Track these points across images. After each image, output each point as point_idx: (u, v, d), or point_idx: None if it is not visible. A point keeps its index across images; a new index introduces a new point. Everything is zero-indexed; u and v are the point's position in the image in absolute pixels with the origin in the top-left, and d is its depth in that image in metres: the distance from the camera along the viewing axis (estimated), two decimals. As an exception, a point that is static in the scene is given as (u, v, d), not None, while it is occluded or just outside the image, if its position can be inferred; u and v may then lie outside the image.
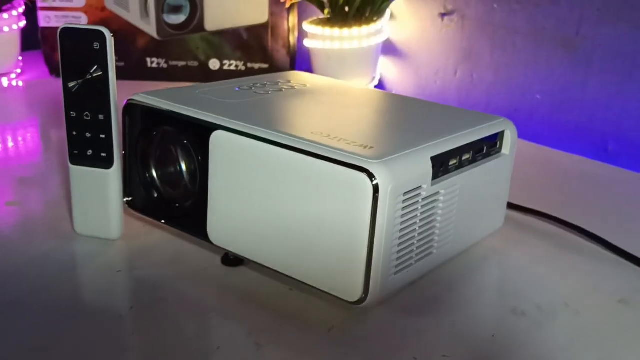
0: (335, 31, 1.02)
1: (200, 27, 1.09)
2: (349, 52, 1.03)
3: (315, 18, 1.09)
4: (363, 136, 0.49)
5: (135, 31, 1.10)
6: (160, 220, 0.57)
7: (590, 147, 0.88)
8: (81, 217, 0.59)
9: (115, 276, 0.54)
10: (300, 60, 1.16)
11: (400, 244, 0.47)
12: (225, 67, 1.12)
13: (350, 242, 0.45)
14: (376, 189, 0.43)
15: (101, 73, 0.55)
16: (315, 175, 0.46)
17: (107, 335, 0.47)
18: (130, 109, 0.57)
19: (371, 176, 0.43)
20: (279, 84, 0.64)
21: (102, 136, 0.56)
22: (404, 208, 0.46)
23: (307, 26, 1.07)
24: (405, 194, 0.45)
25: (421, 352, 0.46)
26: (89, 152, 0.57)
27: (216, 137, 0.51)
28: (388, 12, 1.06)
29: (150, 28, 1.09)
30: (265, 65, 1.12)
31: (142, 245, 0.59)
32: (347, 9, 1.02)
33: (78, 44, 0.55)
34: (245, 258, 0.52)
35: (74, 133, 0.57)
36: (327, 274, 0.47)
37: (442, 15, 1.02)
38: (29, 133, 0.91)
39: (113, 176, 0.57)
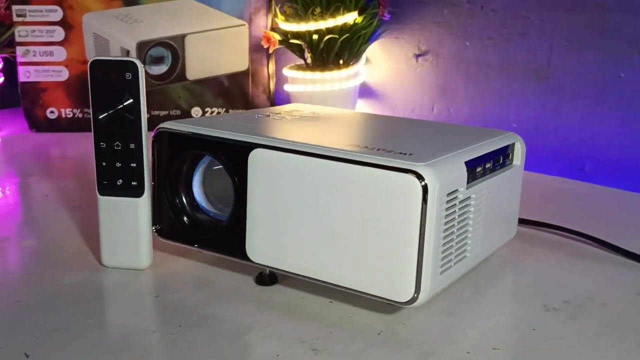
0: (317, 74, 1.06)
1: (182, 76, 1.11)
2: (329, 94, 1.07)
3: (293, 64, 1.13)
4: (398, 146, 0.52)
5: (117, 83, 1.11)
6: (193, 245, 0.58)
7: (567, 169, 0.94)
8: (110, 249, 0.59)
9: (154, 301, 0.54)
10: (279, 104, 1.20)
11: (444, 244, 0.49)
12: (208, 115, 1.14)
13: (401, 243, 0.47)
14: (425, 189, 0.46)
15: (133, 102, 0.56)
16: (363, 182, 0.48)
17: (166, 352, 0.47)
18: (161, 136, 0.58)
19: (420, 177, 0.46)
20: (292, 112, 0.67)
21: (133, 165, 0.57)
22: (446, 209, 0.48)
23: (287, 71, 1.11)
24: (448, 195, 0.48)
25: (472, 347, 0.48)
26: (119, 182, 0.58)
27: (255, 155, 0.53)
28: (364, 56, 1.11)
29: (131, 79, 1.10)
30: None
31: (171, 272, 0.59)
32: (324, 55, 1.06)
33: (109, 75, 0.56)
34: (288, 273, 0.53)
35: (104, 163, 0.58)
36: (376, 278, 0.49)
37: (417, 55, 1.08)
38: (11, 185, 0.91)
39: (143, 205, 0.58)
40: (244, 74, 1.13)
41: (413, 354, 0.47)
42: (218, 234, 0.57)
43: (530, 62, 0.95)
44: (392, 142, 0.54)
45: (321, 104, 1.08)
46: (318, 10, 1.01)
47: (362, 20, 1.03)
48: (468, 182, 0.52)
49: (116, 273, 0.59)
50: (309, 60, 1.09)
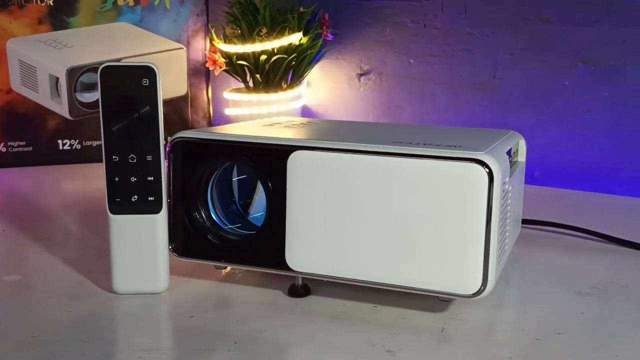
0: (263, 96, 1.04)
1: (116, 103, 1.06)
2: (274, 116, 1.06)
3: (234, 87, 1.11)
4: (440, 140, 0.52)
5: (45, 112, 1.04)
6: (219, 261, 0.55)
7: (517, 176, 0.98)
8: (124, 272, 0.54)
9: (192, 322, 0.50)
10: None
11: (499, 234, 0.49)
12: (144, 143, 1.09)
13: (467, 233, 0.47)
14: (490, 177, 0.46)
15: (150, 111, 0.52)
16: (424, 175, 0.47)
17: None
18: (178, 147, 0.54)
19: (485, 165, 0.46)
20: (291, 122, 0.65)
21: (150, 178, 0.53)
22: (502, 198, 0.49)
23: (229, 95, 1.08)
24: (503, 184, 0.48)
25: (538, 334, 0.48)
26: (134, 198, 0.53)
27: (296, 158, 0.50)
28: (305, 78, 1.11)
29: (61, 108, 1.03)
30: (185, 138, 1.10)
31: (190, 293, 0.55)
32: (259, 76, 1.05)
33: (123, 83, 0.52)
34: (336, 279, 0.51)
35: (117, 179, 0.53)
36: (438, 273, 0.48)
37: (359, 75, 1.09)
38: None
39: (161, 221, 0.54)
40: (182, 99, 1.09)
41: (487, 345, 0.47)
42: (248, 246, 0.54)
43: (475, 76, 0.99)
44: (429, 138, 0.53)
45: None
46: (264, 30, 1.00)
47: (307, 41, 1.03)
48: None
49: (132, 298, 0.54)
50: (250, 83, 1.07)
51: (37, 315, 0.51)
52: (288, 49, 1.03)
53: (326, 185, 0.50)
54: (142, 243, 0.54)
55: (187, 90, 1.09)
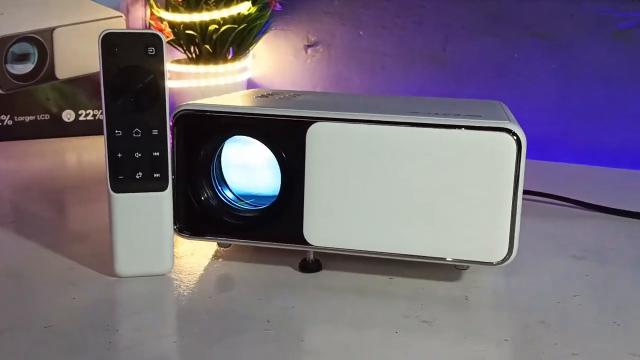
0: (211, 68, 1.00)
1: (51, 75, 0.98)
2: (221, 89, 1.02)
3: (176, 58, 1.06)
4: (454, 110, 0.52)
5: (-29, 86, 0.95)
6: (229, 238, 0.52)
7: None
8: (127, 254, 0.51)
9: (213, 302, 0.48)
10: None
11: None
12: (82, 118, 1.02)
13: (496, 202, 0.47)
14: (519, 145, 0.47)
15: (156, 81, 0.49)
16: (452, 145, 0.47)
17: (280, 345, 0.42)
18: (183, 120, 0.51)
19: (513, 134, 0.47)
20: (283, 93, 0.63)
21: (156, 154, 0.50)
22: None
23: (172, 66, 1.03)
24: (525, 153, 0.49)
25: (556, 297, 0.50)
26: (139, 175, 0.50)
27: (316, 130, 0.49)
28: (251, 50, 1.08)
29: (-10, 81, 0.95)
30: (125, 112, 1.04)
31: (198, 273, 0.53)
32: (208, 47, 1.01)
33: (126, 52, 0.48)
34: (358, 252, 0.50)
35: (119, 155, 0.49)
36: (465, 242, 0.48)
37: (307, 47, 1.08)
38: None
39: (167, 199, 0.51)
40: (122, 71, 1.03)
41: (514, 311, 0.48)
42: (262, 222, 0.52)
43: (426, 49, 1.00)
44: (440, 108, 0.53)
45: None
46: (213, -1, 0.96)
47: (255, 11, 1.00)
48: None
49: (138, 281, 0.51)
50: (193, 55, 1.03)
51: (41, 304, 0.47)
52: (236, 19, 0.99)
53: (348, 157, 0.49)
54: (146, 223, 0.51)
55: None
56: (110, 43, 0.48)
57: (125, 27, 1.02)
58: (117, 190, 0.50)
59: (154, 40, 0.49)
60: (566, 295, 0.50)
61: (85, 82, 1.01)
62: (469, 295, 0.50)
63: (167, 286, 0.50)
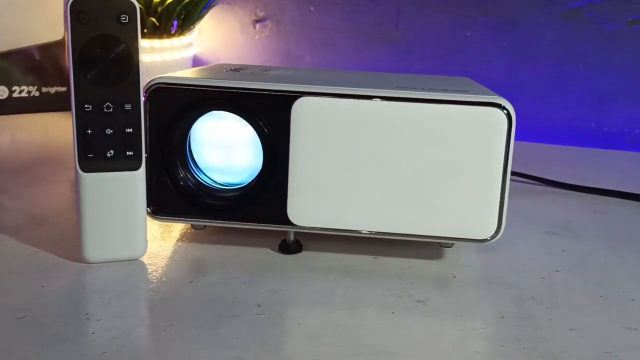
0: (155, 42, 0.96)
1: (-18, 48, 0.91)
2: (167, 65, 0.98)
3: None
4: (445, 87, 0.50)
5: None
6: (208, 219, 0.50)
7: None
8: (96, 238, 0.47)
9: (195, 287, 0.45)
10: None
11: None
12: (16, 95, 0.95)
13: (486, 178, 0.47)
14: (510, 120, 0.46)
15: (129, 52, 0.45)
16: (441, 120, 0.46)
17: (278, 330, 0.40)
18: (158, 94, 0.48)
19: (504, 109, 0.46)
20: (252, 68, 0.60)
21: (129, 130, 0.47)
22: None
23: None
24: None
25: (540, 272, 0.50)
26: (110, 153, 0.46)
27: (301, 104, 0.47)
28: (196, 27, 1.03)
29: None
30: (62, 89, 0.98)
31: (172, 257, 0.50)
32: (154, 19, 0.97)
33: (97, 19, 0.44)
34: (344, 232, 0.49)
35: (89, 132, 0.46)
36: (454, 219, 0.47)
37: (255, 22, 1.04)
38: None
39: (140, 178, 0.48)
40: (58, 44, 0.97)
41: (505, 288, 0.47)
42: (241, 202, 0.49)
43: (378, 26, 0.99)
44: (431, 85, 0.51)
45: (149, 76, 0.99)
46: (158, -31, 0.91)
47: (203, -17, 0.96)
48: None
49: (111, 267, 0.47)
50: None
51: (9, 293, 0.43)
52: (182, -8, 0.95)
53: (334, 133, 0.47)
54: (118, 204, 0.47)
55: (64, 35, 0.97)
56: (79, 10, 0.44)
57: (62, 1, 0.96)
58: (86, 169, 0.46)
59: (127, 8, 0.45)
60: (549, 271, 0.50)
61: (18, 56, 0.95)
62: (455, 273, 0.49)
63: (143, 271, 0.47)
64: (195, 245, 0.52)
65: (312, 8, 1.01)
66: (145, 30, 0.95)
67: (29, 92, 0.96)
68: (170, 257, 0.50)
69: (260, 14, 1.04)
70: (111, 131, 0.46)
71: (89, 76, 0.45)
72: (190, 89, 0.48)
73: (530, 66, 0.95)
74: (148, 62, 0.97)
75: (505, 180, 0.47)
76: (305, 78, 0.53)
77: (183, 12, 0.97)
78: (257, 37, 1.05)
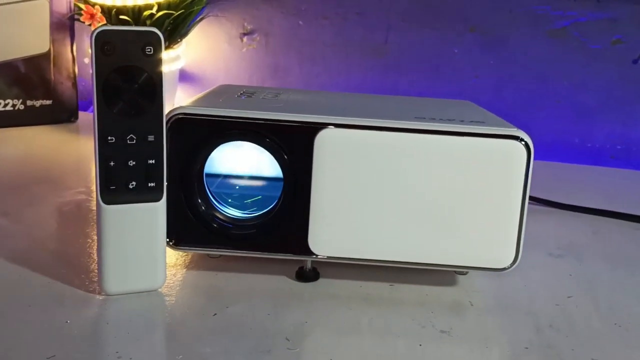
0: (144, 55, 0.95)
1: (-35, 61, 0.89)
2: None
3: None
4: (459, 116, 0.51)
5: None
6: (227, 249, 0.50)
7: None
8: (116, 270, 0.47)
9: (219, 321, 0.45)
10: (81, 92, 1.03)
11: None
12: (0, 108, 0.93)
13: (505, 209, 0.48)
14: (529, 154, 0.47)
15: (153, 84, 0.45)
16: (462, 152, 0.47)
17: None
18: (180, 125, 0.48)
19: (522, 141, 0.47)
20: (262, 92, 0.60)
21: (151, 162, 0.46)
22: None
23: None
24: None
25: (553, 298, 0.51)
26: (132, 185, 0.46)
27: (325, 136, 0.47)
28: (183, 40, 1.02)
29: None
30: (48, 102, 0.96)
31: (191, 287, 0.50)
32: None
33: (122, 51, 0.44)
34: (364, 261, 0.49)
35: (112, 164, 0.45)
36: (473, 249, 0.48)
37: (243, 35, 1.04)
38: None
39: (161, 209, 0.47)
40: (44, 57, 0.95)
41: (520, 315, 0.48)
42: (261, 231, 0.49)
43: (367, 40, 1.00)
44: (445, 114, 0.52)
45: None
46: (148, -18, 0.90)
47: (192, -4, 0.95)
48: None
49: (132, 299, 0.47)
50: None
51: (33, 329, 0.43)
52: (171, 4, 0.94)
53: (357, 164, 0.48)
54: (139, 235, 0.47)
55: (50, 47, 0.95)
56: (104, 41, 0.44)
57: (48, 11, 0.94)
58: (108, 201, 0.46)
59: (152, 39, 0.45)
60: (561, 297, 0.52)
61: (3, 68, 0.93)
62: (471, 300, 0.50)
63: (165, 303, 0.47)
64: (210, 274, 0.52)
65: (300, 22, 1.01)
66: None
67: (13, 105, 0.94)
68: (188, 285, 0.50)
69: (249, 27, 1.03)
70: (134, 163, 0.46)
71: (113, 108, 0.44)
72: (213, 119, 0.48)
73: (517, 82, 0.96)
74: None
75: (524, 211, 0.48)
76: (324, 106, 0.53)
77: (170, 25, 0.96)
78: (244, 49, 1.04)
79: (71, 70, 0.97)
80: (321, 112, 0.49)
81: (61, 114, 0.97)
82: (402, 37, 0.99)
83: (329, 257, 0.49)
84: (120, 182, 0.46)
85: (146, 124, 0.46)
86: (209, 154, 0.49)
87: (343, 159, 0.48)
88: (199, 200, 0.49)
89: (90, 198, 0.68)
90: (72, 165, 0.82)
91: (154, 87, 0.45)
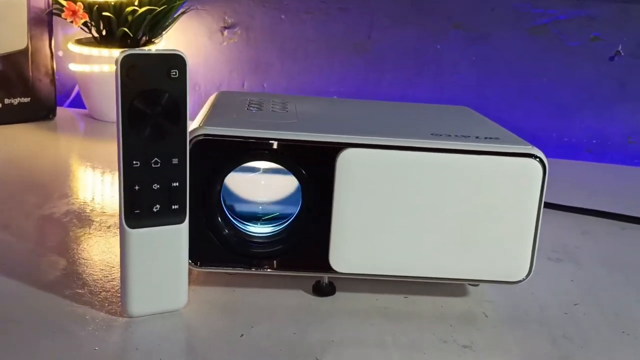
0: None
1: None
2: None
3: (81, 38, 0.96)
4: (472, 132, 0.52)
5: None
6: (250, 269, 0.50)
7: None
8: (140, 292, 0.47)
9: (247, 341, 0.45)
10: (59, 88, 1.01)
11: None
12: None
13: (521, 225, 0.49)
14: (545, 171, 0.49)
15: (178, 107, 0.45)
16: (480, 170, 0.48)
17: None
18: (202, 146, 0.47)
19: (537, 158, 0.48)
20: (267, 100, 0.60)
21: (175, 184, 0.46)
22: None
23: (78, 48, 0.94)
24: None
25: (560, 306, 0.53)
26: (156, 208, 0.46)
27: (347, 156, 0.47)
28: (164, 35, 1.00)
29: None
30: (26, 100, 0.93)
31: (211, 305, 0.50)
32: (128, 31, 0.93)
33: (147, 75, 0.43)
34: (384, 277, 0.50)
35: (137, 187, 0.45)
36: (490, 263, 0.50)
37: (223, 28, 1.02)
38: None
39: (184, 231, 0.47)
40: (22, 53, 0.92)
41: (533, 326, 0.50)
42: (282, 250, 0.50)
43: (350, 36, 1.00)
44: (461, 129, 0.53)
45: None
46: (130, -23, 0.88)
47: (174, -9, 0.93)
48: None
49: (156, 320, 0.47)
50: (98, 36, 0.94)
51: (64, 356, 0.42)
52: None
53: (378, 182, 0.48)
54: (162, 257, 0.47)
55: (28, 43, 0.92)
56: (130, 65, 0.43)
57: (26, 6, 0.91)
58: (133, 225, 0.45)
59: (178, 62, 0.44)
60: (568, 304, 0.54)
61: (-21, 66, 0.90)
62: (485, 311, 0.52)
63: (189, 324, 0.47)
64: (227, 290, 0.52)
65: (283, 16, 1.01)
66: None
67: (-10, 103, 0.91)
68: (208, 303, 0.50)
69: (229, 21, 1.02)
70: (158, 186, 0.45)
71: (138, 133, 0.44)
72: (235, 140, 0.48)
73: (498, 79, 0.98)
74: (105, 71, 0.94)
75: (538, 225, 0.50)
76: (341, 121, 0.54)
77: (153, 21, 0.95)
78: (225, 43, 1.03)
79: (49, 66, 0.95)
80: (341, 130, 0.49)
81: (40, 111, 0.95)
82: (385, 33, 0.99)
83: (349, 274, 0.50)
84: (144, 205, 0.45)
85: (171, 146, 0.45)
86: (226, 174, 0.49)
87: (364, 177, 0.48)
88: (220, 220, 0.49)
89: (85, 206, 0.67)
90: (57, 168, 0.81)
91: (178, 110, 0.45)
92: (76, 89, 1.06)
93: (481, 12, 0.96)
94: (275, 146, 0.48)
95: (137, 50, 0.43)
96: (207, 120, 0.50)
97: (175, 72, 0.44)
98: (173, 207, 0.46)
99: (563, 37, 0.95)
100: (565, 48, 0.96)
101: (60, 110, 1.00)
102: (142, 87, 0.44)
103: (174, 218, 0.47)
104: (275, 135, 0.48)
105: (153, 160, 0.45)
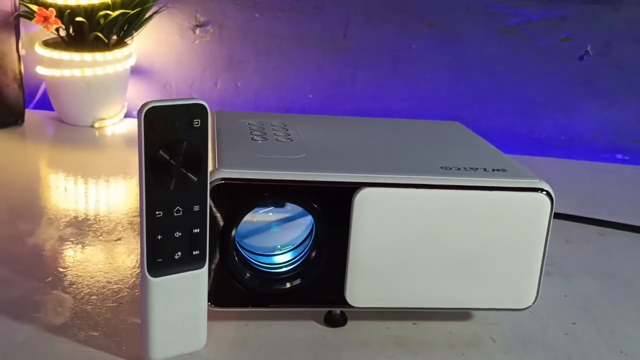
0: (98, 56, 0.90)
1: None
2: (111, 78, 0.93)
3: (47, 39, 0.93)
4: (481, 163, 0.53)
5: None
6: (267, 306, 0.50)
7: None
8: (162, 337, 0.47)
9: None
10: (28, 93, 0.97)
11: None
12: None
13: (529, 256, 0.51)
14: (552, 204, 0.50)
15: (200, 156, 0.44)
16: (491, 204, 0.49)
17: None
18: (221, 189, 0.47)
19: (547, 194, 0.50)
20: (269, 125, 0.60)
21: (196, 231, 0.46)
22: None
23: (45, 51, 0.90)
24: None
25: (560, 326, 0.56)
26: (177, 255, 0.45)
27: (363, 195, 0.48)
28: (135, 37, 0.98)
29: None
30: (-7, 105, 0.90)
31: (227, 342, 0.50)
32: (100, 34, 0.90)
33: (170, 126, 0.43)
34: (399, 309, 0.52)
35: (159, 237, 0.44)
36: (499, 292, 0.52)
37: (195, 26, 1.00)
38: None
39: (204, 275, 0.47)
40: (-9, 56, 0.88)
41: (540, 349, 0.52)
42: (301, 288, 0.50)
43: (325, 34, 0.99)
44: (469, 159, 0.54)
45: (101, 90, 0.93)
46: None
47: (146, -8, 0.91)
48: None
49: (178, 364, 0.47)
50: (66, 38, 0.91)
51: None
52: (124, 2, 0.89)
53: (393, 219, 0.49)
54: (183, 302, 0.47)
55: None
56: (154, 118, 0.42)
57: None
58: (155, 274, 0.45)
59: (201, 112, 0.43)
60: (567, 324, 0.56)
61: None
62: (492, 335, 0.54)
63: (213, 367, 0.48)
64: (241, 324, 0.52)
65: (257, 14, 0.99)
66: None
67: (-45, 110, 0.87)
68: (225, 340, 0.50)
69: (201, 19, 1.00)
70: (180, 234, 0.45)
71: (162, 184, 0.43)
72: (253, 184, 0.47)
73: (471, 77, 1.00)
74: (90, 76, 0.91)
75: (545, 255, 0.52)
76: (353, 156, 0.54)
77: (125, 24, 0.92)
78: (197, 42, 1.01)
79: (17, 71, 0.91)
80: (355, 167, 0.50)
81: (8, 117, 0.92)
82: (361, 31, 0.99)
83: (364, 308, 0.51)
84: (166, 253, 0.45)
85: (192, 195, 0.45)
86: (242, 216, 0.49)
87: (380, 214, 0.49)
88: (236, 260, 0.49)
89: (79, 232, 0.66)
90: (38, 186, 0.79)
91: (200, 158, 0.44)
92: (42, 89, 1.02)
93: (455, 12, 0.97)
94: (292, 189, 0.48)
95: (160, 103, 0.42)
96: (222, 161, 0.49)
97: (198, 122, 0.44)
98: (194, 252, 0.46)
99: (535, 37, 0.97)
100: (536, 48, 0.98)
101: (28, 114, 0.96)
102: (166, 139, 0.43)
103: (195, 263, 0.46)
104: (292, 177, 0.48)
105: (175, 209, 0.45)
